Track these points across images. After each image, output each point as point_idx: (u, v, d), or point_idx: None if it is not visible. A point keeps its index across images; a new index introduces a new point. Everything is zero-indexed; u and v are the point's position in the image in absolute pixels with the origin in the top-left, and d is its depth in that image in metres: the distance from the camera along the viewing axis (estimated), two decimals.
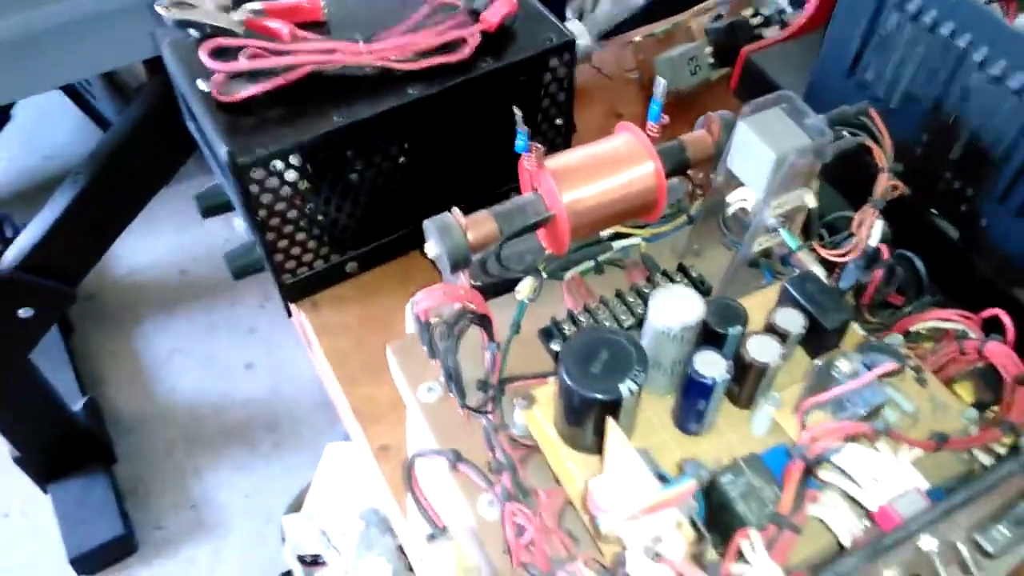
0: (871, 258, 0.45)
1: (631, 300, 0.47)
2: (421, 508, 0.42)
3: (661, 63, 0.68)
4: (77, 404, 1.37)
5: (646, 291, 0.46)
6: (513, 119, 0.41)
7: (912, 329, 0.44)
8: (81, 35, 0.86)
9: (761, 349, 0.38)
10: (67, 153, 1.77)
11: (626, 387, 0.35)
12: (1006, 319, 0.41)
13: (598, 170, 0.45)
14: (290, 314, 0.61)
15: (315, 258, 0.58)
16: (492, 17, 0.56)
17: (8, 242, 1.09)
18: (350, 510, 0.90)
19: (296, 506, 1.03)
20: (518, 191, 0.46)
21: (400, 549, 0.87)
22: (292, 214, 0.54)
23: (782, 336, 0.40)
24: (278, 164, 0.51)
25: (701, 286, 0.48)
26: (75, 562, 1.26)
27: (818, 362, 0.37)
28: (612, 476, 0.31)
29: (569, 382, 0.36)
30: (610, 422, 0.34)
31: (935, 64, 0.47)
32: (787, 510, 0.32)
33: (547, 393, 0.40)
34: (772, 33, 0.68)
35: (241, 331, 1.59)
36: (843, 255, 0.45)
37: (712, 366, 0.37)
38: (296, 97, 0.53)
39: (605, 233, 0.49)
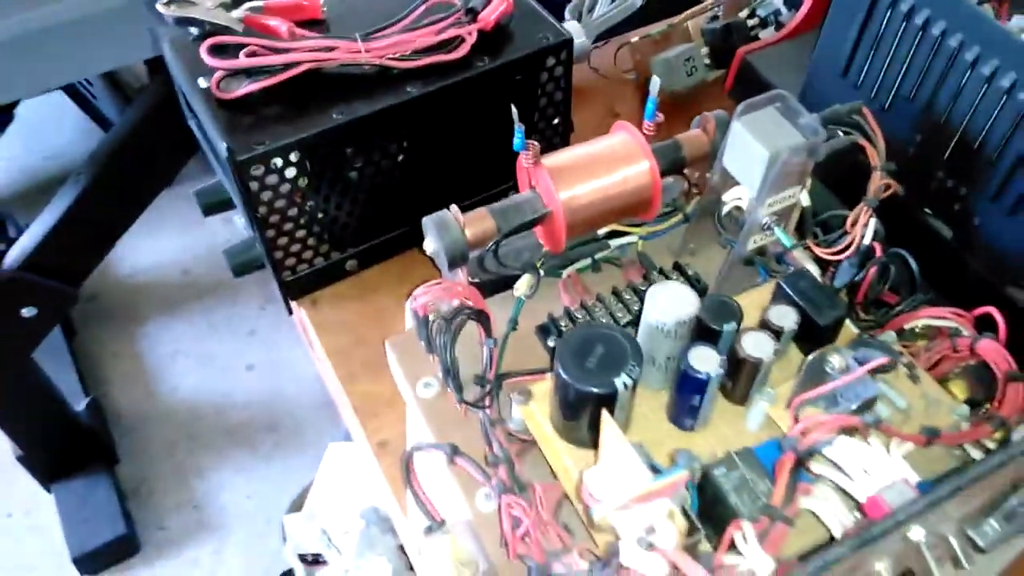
0: (864, 256, 0.45)
1: (627, 298, 0.47)
2: (419, 501, 0.42)
3: (657, 64, 0.69)
4: (80, 404, 1.38)
5: (642, 289, 0.47)
6: (511, 118, 0.42)
7: (906, 327, 0.45)
8: (82, 35, 0.86)
9: (755, 345, 0.39)
10: (69, 153, 1.78)
11: (621, 381, 0.36)
12: (998, 317, 0.41)
13: (594, 168, 0.46)
14: (290, 311, 0.61)
15: (315, 255, 0.59)
16: (489, 16, 0.56)
17: (11, 242, 1.10)
18: (351, 509, 0.90)
19: (297, 505, 1.03)
20: (516, 190, 0.47)
21: (401, 548, 0.87)
22: (292, 211, 0.55)
23: (776, 333, 0.40)
24: (278, 161, 0.52)
25: (697, 284, 0.48)
26: (77, 562, 1.26)
27: (810, 357, 0.38)
28: (606, 467, 0.32)
29: (565, 376, 0.36)
30: (604, 414, 0.34)
31: (927, 64, 0.47)
32: (779, 502, 0.33)
33: (544, 389, 0.41)
34: (768, 34, 0.69)
35: (242, 332, 1.59)
36: (837, 253, 0.46)
37: (706, 361, 0.37)
38: (295, 95, 0.53)
39: (602, 231, 0.49)
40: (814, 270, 0.46)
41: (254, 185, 0.52)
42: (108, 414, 1.45)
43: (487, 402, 0.42)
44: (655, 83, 0.43)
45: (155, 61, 1.14)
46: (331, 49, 0.53)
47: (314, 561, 0.90)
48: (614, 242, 0.50)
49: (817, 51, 0.55)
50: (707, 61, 0.70)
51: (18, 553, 1.31)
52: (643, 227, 0.50)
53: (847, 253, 0.45)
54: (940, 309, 0.43)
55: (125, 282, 1.66)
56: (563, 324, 0.46)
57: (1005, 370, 0.40)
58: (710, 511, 0.36)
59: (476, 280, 0.47)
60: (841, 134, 0.46)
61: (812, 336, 0.41)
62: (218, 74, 0.52)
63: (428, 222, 0.44)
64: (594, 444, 0.37)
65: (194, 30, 0.54)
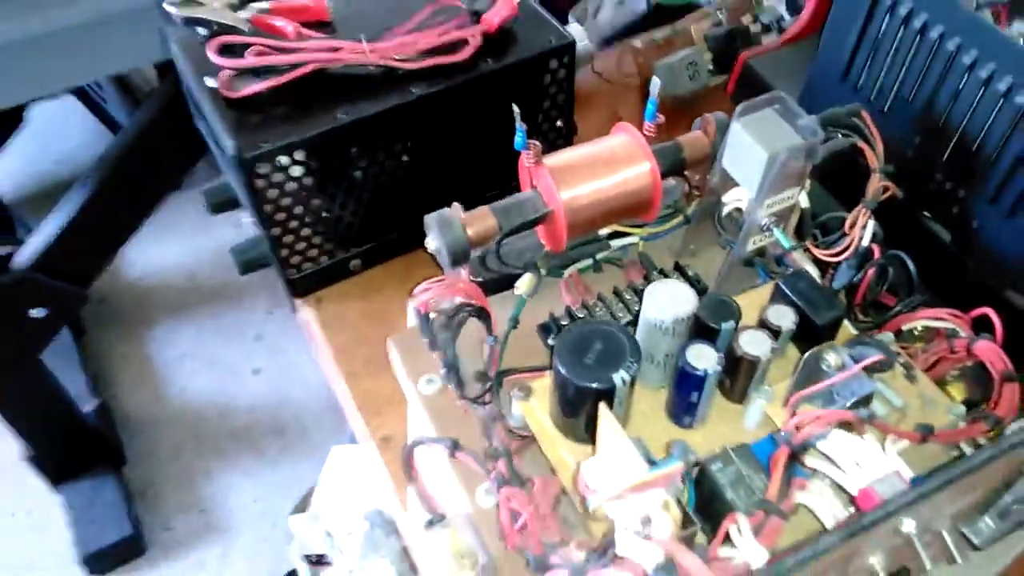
0: (863, 258, 0.46)
1: (628, 298, 0.48)
2: (420, 495, 0.43)
3: (660, 68, 0.69)
4: (88, 406, 1.38)
5: (643, 289, 0.47)
6: (514, 119, 0.43)
7: (904, 328, 0.45)
8: (92, 37, 0.87)
9: (752, 343, 0.39)
10: (79, 157, 1.79)
11: (619, 376, 0.36)
12: (995, 318, 0.41)
13: (595, 169, 0.46)
14: (295, 309, 0.62)
15: (320, 254, 0.60)
16: (493, 19, 0.57)
17: (21, 244, 1.11)
18: (355, 511, 0.91)
19: (302, 507, 1.03)
20: (519, 190, 0.47)
21: (404, 551, 0.87)
22: (298, 210, 0.55)
23: (774, 332, 0.40)
24: (284, 159, 0.52)
25: (697, 285, 0.48)
26: (85, 562, 1.27)
27: (806, 355, 0.38)
28: (603, 458, 0.32)
29: (563, 371, 0.37)
30: (602, 407, 0.35)
31: (925, 67, 0.48)
32: (774, 496, 0.33)
33: (544, 385, 0.41)
34: (771, 40, 0.69)
35: (249, 337, 1.60)
36: (836, 255, 0.46)
37: (704, 358, 0.38)
38: (301, 95, 0.54)
39: (603, 232, 0.50)
40: (813, 272, 0.46)
41: (260, 183, 0.52)
42: (116, 416, 1.46)
43: (487, 398, 0.42)
44: (655, 84, 0.44)
45: (164, 65, 1.15)
46: (337, 50, 0.54)
47: (318, 562, 0.91)
48: (615, 242, 0.50)
49: (818, 55, 0.55)
50: (710, 66, 0.71)
51: (26, 553, 1.32)
52: (644, 228, 0.50)
53: (846, 255, 0.46)
54: (938, 310, 0.44)
55: (134, 285, 1.67)
56: (564, 323, 0.46)
57: (1001, 370, 0.40)
58: (707, 506, 0.36)
59: (478, 279, 0.47)
60: (840, 137, 0.46)
61: (810, 336, 0.41)
62: (225, 73, 0.53)
63: (430, 220, 0.44)
64: (592, 440, 0.38)
65: (202, 30, 0.55)
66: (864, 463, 0.32)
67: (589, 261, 0.50)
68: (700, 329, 0.40)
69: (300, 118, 0.53)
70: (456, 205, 0.45)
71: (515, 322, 0.46)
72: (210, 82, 0.54)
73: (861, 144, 0.46)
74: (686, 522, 0.33)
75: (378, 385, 0.56)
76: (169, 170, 1.20)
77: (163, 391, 1.52)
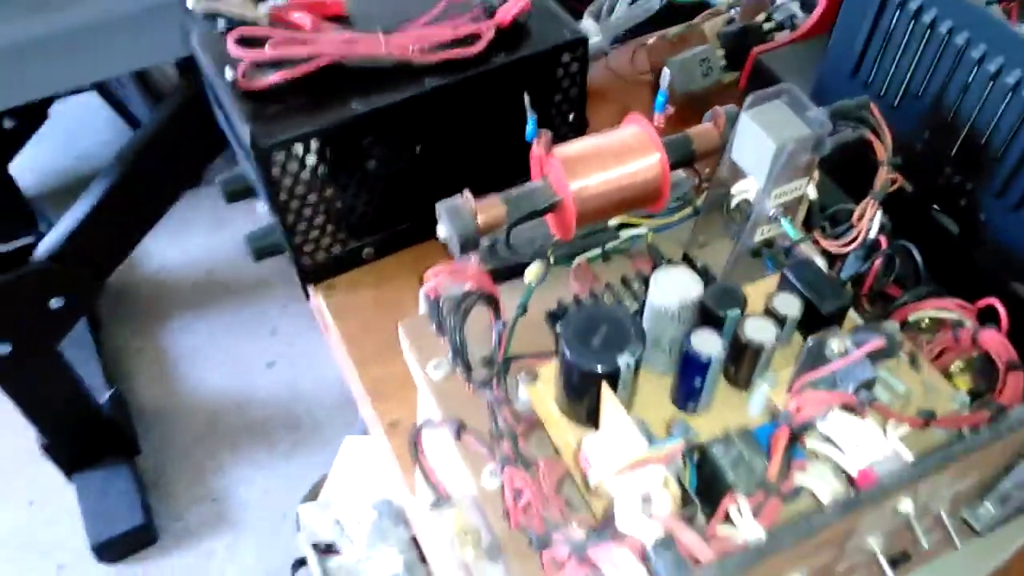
0: (870, 249, 0.46)
1: (636, 287, 0.48)
2: (426, 477, 0.43)
3: (673, 65, 0.69)
4: (103, 396, 1.40)
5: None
6: (526, 113, 0.43)
7: (910, 319, 0.45)
8: (114, 33, 0.89)
9: (757, 330, 0.39)
10: (101, 154, 1.82)
11: (624, 360, 0.37)
12: (1000, 308, 0.42)
13: (605, 159, 0.47)
14: (308, 296, 0.63)
15: (333, 242, 0.60)
16: (507, 13, 0.58)
17: (43, 237, 1.13)
18: (365, 501, 0.92)
19: (313, 495, 1.05)
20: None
21: (412, 540, 0.88)
22: (312, 198, 0.56)
23: (780, 320, 0.41)
24: (299, 148, 0.53)
25: (705, 276, 0.49)
26: (96, 550, 1.29)
27: (809, 341, 0.38)
28: (605, 435, 0.33)
29: (569, 354, 0.37)
30: (605, 386, 0.35)
31: (935, 61, 0.48)
32: (774, 476, 0.33)
33: (550, 371, 0.41)
34: (783, 37, 0.70)
35: (264, 331, 1.62)
36: (844, 246, 0.46)
37: (708, 343, 0.38)
38: (317, 86, 0.55)
39: (613, 223, 0.50)
40: (821, 263, 0.46)
41: (276, 171, 0.53)
42: (131, 407, 1.48)
43: (494, 382, 0.43)
44: (665, 75, 0.45)
45: (184, 63, 1.17)
46: (353, 42, 0.55)
47: (327, 550, 0.92)
48: (624, 233, 0.51)
49: (829, 50, 0.55)
50: (723, 63, 0.71)
51: (39, 540, 1.34)
52: (653, 219, 0.51)
53: (853, 246, 0.46)
54: (943, 300, 0.44)
55: (151, 279, 1.69)
56: (572, 310, 0.47)
57: (1006, 359, 0.40)
58: (708, 489, 0.36)
59: (488, 267, 0.48)
60: (849, 130, 0.47)
61: (816, 325, 0.41)
62: (244, 65, 0.54)
63: (441, 207, 0.45)
64: (597, 424, 0.38)
65: (222, 23, 0.56)
66: (864, 445, 0.33)
67: (598, 251, 0.50)
68: (706, 317, 0.40)
69: (316, 109, 0.54)
70: (467, 193, 0.46)
71: (523, 309, 0.47)
72: (229, 74, 0.55)
73: (870, 136, 0.46)
74: (686, 502, 0.34)
75: (388, 372, 0.56)
76: (187, 166, 1.22)
77: (178, 384, 1.54)
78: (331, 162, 0.55)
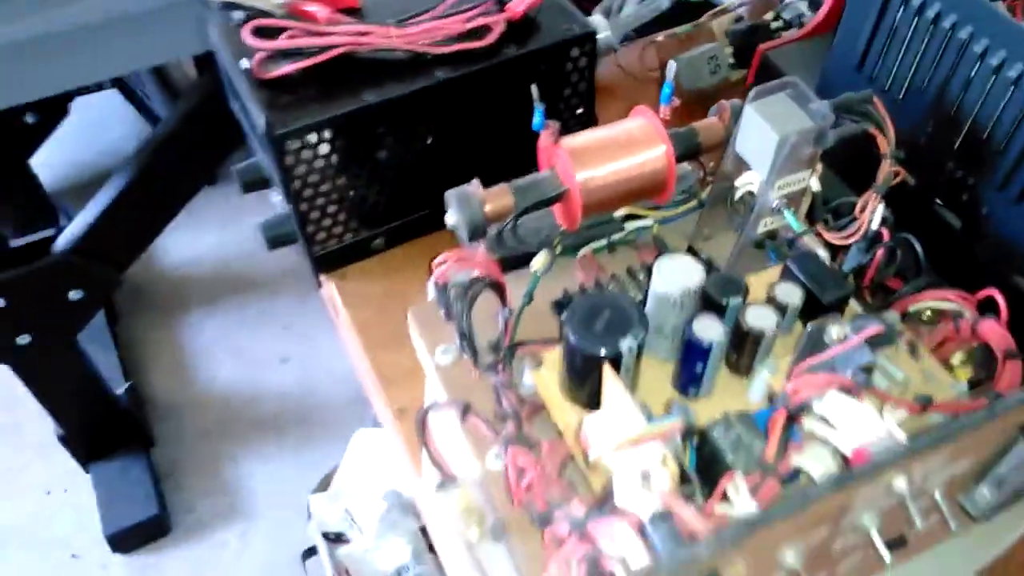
0: (872, 241, 0.47)
1: (640, 278, 0.49)
2: (432, 459, 0.44)
3: (681, 62, 0.70)
4: (120, 388, 1.42)
5: None
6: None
7: (911, 310, 0.46)
8: (133, 28, 0.91)
9: (758, 317, 0.40)
10: (121, 149, 1.84)
11: (626, 344, 0.37)
12: (1000, 299, 0.42)
13: (612, 150, 0.48)
14: (319, 285, 0.64)
15: (344, 231, 0.62)
16: (517, 7, 0.59)
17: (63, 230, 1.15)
18: (374, 492, 0.93)
19: (324, 486, 1.06)
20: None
21: (420, 531, 0.89)
22: (324, 187, 0.57)
23: (781, 309, 0.42)
24: (312, 137, 0.55)
25: (709, 268, 0.50)
26: (110, 539, 1.31)
27: (809, 328, 0.39)
28: (605, 413, 0.34)
29: (572, 338, 0.38)
30: (607, 367, 0.36)
31: (938, 56, 0.49)
32: (771, 457, 0.34)
33: (555, 356, 0.42)
34: (791, 35, 0.70)
35: (278, 327, 1.64)
36: (846, 238, 0.47)
37: (709, 329, 0.39)
38: (331, 77, 0.56)
39: (619, 214, 0.51)
40: (824, 255, 0.47)
41: (289, 159, 0.55)
42: (146, 399, 1.50)
43: (500, 367, 0.44)
44: (671, 67, 0.46)
45: (202, 60, 1.19)
46: (366, 34, 0.56)
47: (337, 539, 0.93)
48: (630, 224, 0.52)
49: (834, 46, 0.56)
50: (731, 60, 0.72)
51: (54, 529, 1.36)
52: (659, 211, 0.52)
53: (855, 238, 0.47)
54: (944, 291, 0.44)
55: (169, 274, 1.71)
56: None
57: (1004, 348, 0.41)
58: (708, 470, 0.37)
59: (496, 256, 0.49)
60: (852, 123, 0.47)
61: (817, 315, 0.42)
62: (259, 55, 0.56)
63: (450, 195, 0.46)
64: (599, 408, 0.39)
65: (238, 14, 0.58)
66: (860, 426, 0.33)
67: (604, 242, 0.51)
68: (708, 305, 0.41)
69: (329, 99, 0.55)
70: (476, 181, 0.47)
71: (529, 298, 0.48)
72: (245, 64, 0.56)
73: (873, 130, 0.47)
74: (684, 482, 0.34)
75: (397, 359, 0.57)
76: (205, 161, 1.24)
77: (193, 377, 1.56)
78: (343, 151, 0.57)
